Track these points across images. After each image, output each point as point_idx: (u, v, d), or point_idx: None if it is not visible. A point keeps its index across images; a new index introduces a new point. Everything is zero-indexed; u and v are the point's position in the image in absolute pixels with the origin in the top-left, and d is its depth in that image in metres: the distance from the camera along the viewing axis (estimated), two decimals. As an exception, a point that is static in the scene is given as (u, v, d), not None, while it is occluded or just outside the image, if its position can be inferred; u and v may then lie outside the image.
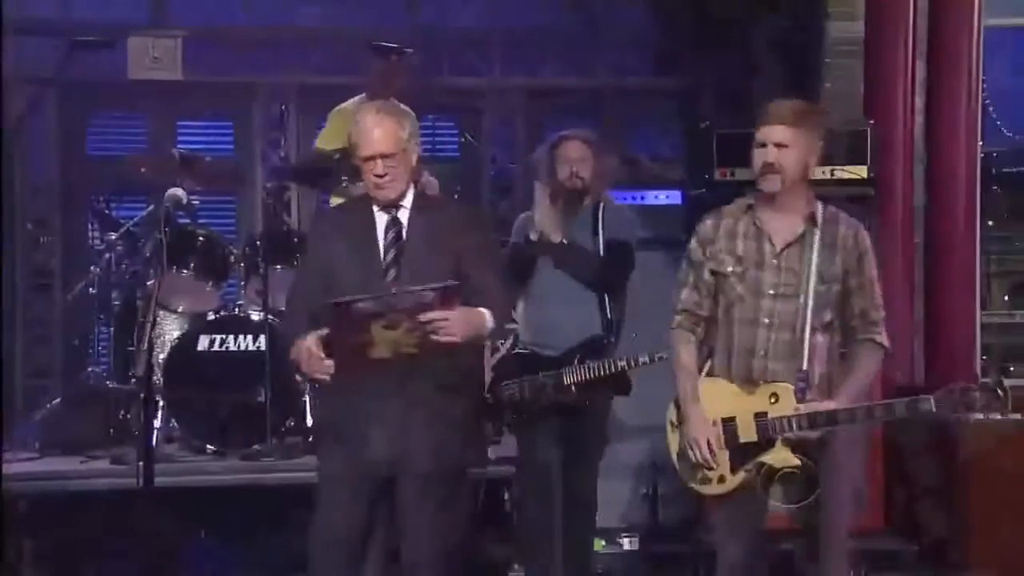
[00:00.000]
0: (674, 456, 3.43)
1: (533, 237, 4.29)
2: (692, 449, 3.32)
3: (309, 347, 3.28)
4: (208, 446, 5.02)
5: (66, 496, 4.75)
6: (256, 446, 4.96)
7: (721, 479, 3.33)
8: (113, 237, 5.47)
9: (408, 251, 3.44)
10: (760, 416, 3.29)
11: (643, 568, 4.80)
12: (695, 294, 3.43)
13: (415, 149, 3.48)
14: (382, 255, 3.45)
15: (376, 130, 3.40)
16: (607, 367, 4.12)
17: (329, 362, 3.26)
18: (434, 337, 3.23)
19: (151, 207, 5.78)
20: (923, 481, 4.72)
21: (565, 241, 4.27)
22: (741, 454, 3.31)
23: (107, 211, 5.79)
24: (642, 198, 5.39)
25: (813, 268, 3.29)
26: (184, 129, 7.02)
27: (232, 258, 5.36)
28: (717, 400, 3.35)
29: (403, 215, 3.49)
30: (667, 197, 5.38)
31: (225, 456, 4.99)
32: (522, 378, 4.20)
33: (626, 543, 4.78)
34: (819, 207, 3.38)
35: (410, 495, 3.38)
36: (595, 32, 7.15)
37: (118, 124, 7.05)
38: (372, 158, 3.39)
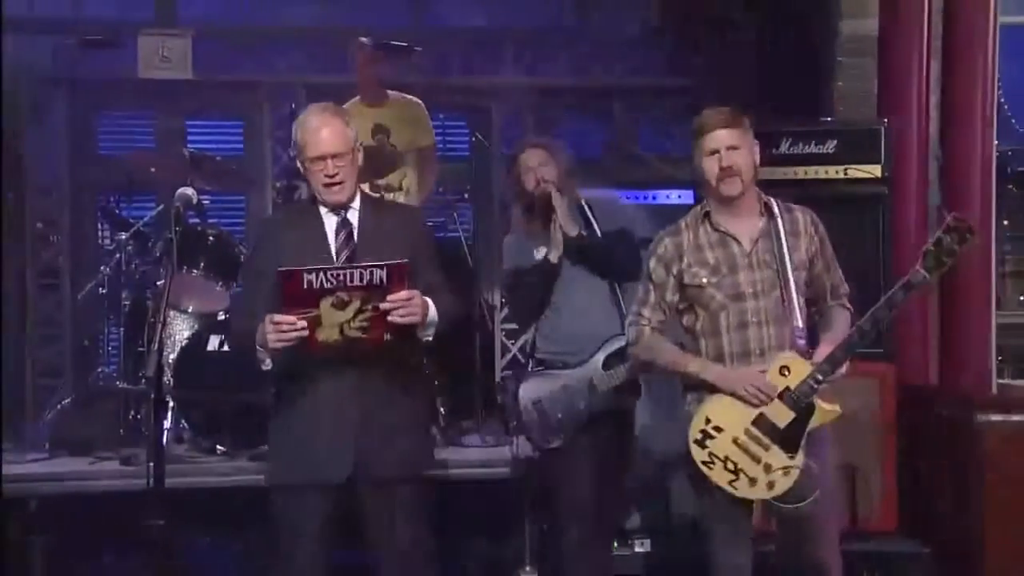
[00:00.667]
0: (705, 470, 3.38)
1: (538, 257, 4.12)
2: (752, 395, 3.30)
3: (265, 321, 3.22)
4: (218, 447, 5.01)
5: (75, 497, 4.74)
6: (265, 446, 4.93)
7: (786, 471, 3.30)
8: (123, 237, 5.45)
9: (360, 251, 3.39)
10: (784, 393, 3.30)
11: (656, 570, 4.77)
12: (659, 313, 3.47)
13: (361, 150, 3.46)
14: (334, 257, 3.38)
15: (324, 129, 3.33)
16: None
17: (281, 317, 3.18)
18: (393, 318, 3.21)
19: (161, 206, 5.80)
20: (937, 482, 4.68)
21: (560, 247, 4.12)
22: (791, 438, 3.31)
23: (117, 210, 5.78)
24: (654, 197, 5.38)
25: (787, 256, 3.35)
26: (193, 128, 7.03)
27: (242, 258, 5.34)
28: (735, 411, 3.35)
29: (352, 216, 3.44)
30: (679, 196, 5.36)
31: (235, 457, 4.97)
32: (550, 393, 4.10)
33: (639, 545, 4.75)
34: (770, 199, 3.45)
35: (378, 506, 3.37)
36: (605, 30, 7.13)
37: (127, 123, 7.06)
38: (322, 158, 3.32)
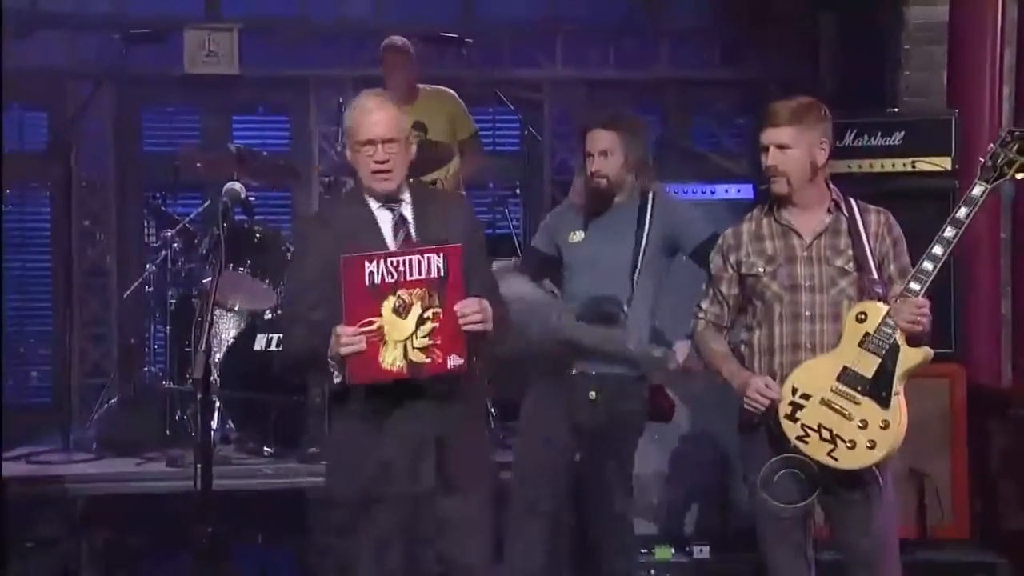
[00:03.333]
0: (802, 447, 3.27)
1: (573, 240, 3.97)
2: (752, 400, 3.29)
3: (334, 332, 3.06)
4: (265, 448, 5.01)
5: (122, 498, 4.77)
6: (314, 448, 4.93)
7: (884, 424, 3.20)
8: (169, 234, 5.46)
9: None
10: (864, 340, 3.24)
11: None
12: (716, 306, 3.49)
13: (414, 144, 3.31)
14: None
15: (377, 113, 3.19)
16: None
17: (343, 329, 3.03)
18: (465, 325, 3.07)
19: (207, 203, 5.82)
20: (1011, 488, 4.58)
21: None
22: (881, 386, 3.22)
23: (163, 207, 5.82)
24: (712, 192, 5.28)
25: (850, 255, 3.32)
26: (239, 124, 7.05)
27: (289, 255, 5.34)
28: (817, 371, 3.27)
29: (407, 210, 3.27)
30: (738, 191, 5.26)
31: (282, 458, 4.97)
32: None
33: (696, 552, 4.69)
34: (848, 199, 3.40)
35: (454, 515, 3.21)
36: (658, 22, 7.06)
37: (173, 119, 7.10)
38: (372, 143, 3.17)
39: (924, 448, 4.29)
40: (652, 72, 7.05)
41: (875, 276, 3.30)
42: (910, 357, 3.24)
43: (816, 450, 3.24)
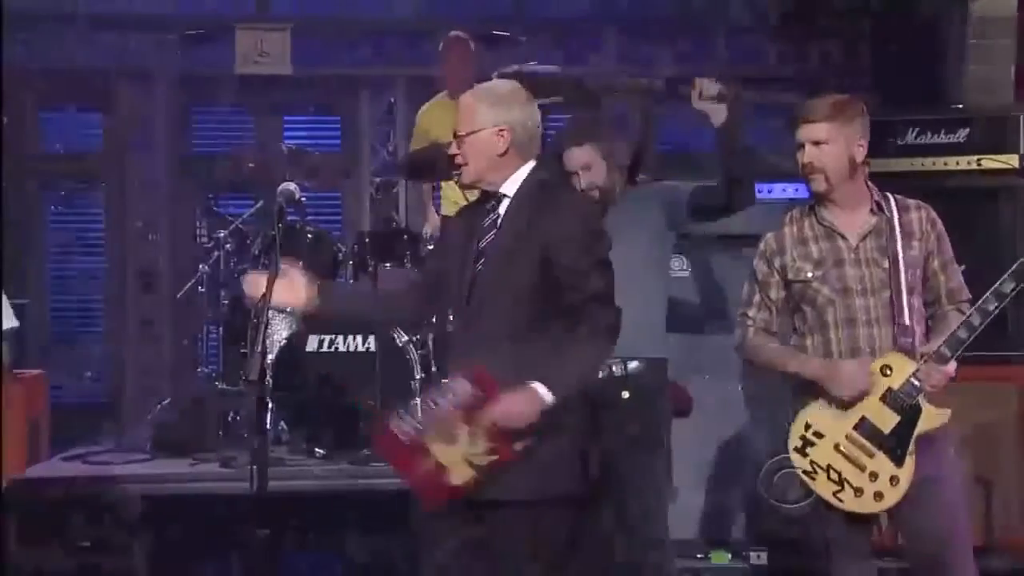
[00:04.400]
0: (808, 481, 3.27)
1: None
2: (852, 395, 3.19)
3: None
4: (317, 449, 5.04)
5: (175, 499, 4.82)
6: (366, 450, 4.96)
7: (893, 480, 3.17)
8: (221, 235, 5.52)
9: (490, 253, 3.07)
10: (887, 395, 3.20)
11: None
12: (765, 312, 3.39)
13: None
14: (473, 259, 3.11)
15: (457, 111, 3.14)
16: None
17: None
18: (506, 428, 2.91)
19: (259, 203, 5.87)
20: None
21: None
22: (897, 444, 3.20)
23: (215, 208, 5.87)
24: (769, 191, 5.23)
25: (898, 254, 3.25)
26: (291, 124, 7.11)
27: (340, 256, 5.38)
28: (835, 415, 3.24)
29: (503, 205, 3.10)
30: (796, 190, 5.20)
31: (334, 460, 5.00)
32: None
33: (754, 557, 4.65)
34: (887, 195, 3.33)
35: None
36: (713, 18, 7.02)
37: (225, 120, 7.17)
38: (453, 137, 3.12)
39: (991, 454, 4.24)
40: (706, 69, 6.99)
41: (903, 288, 3.21)
42: (931, 419, 3.19)
43: (822, 488, 3.23)
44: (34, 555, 4.61)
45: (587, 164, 3.78)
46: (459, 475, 2.97)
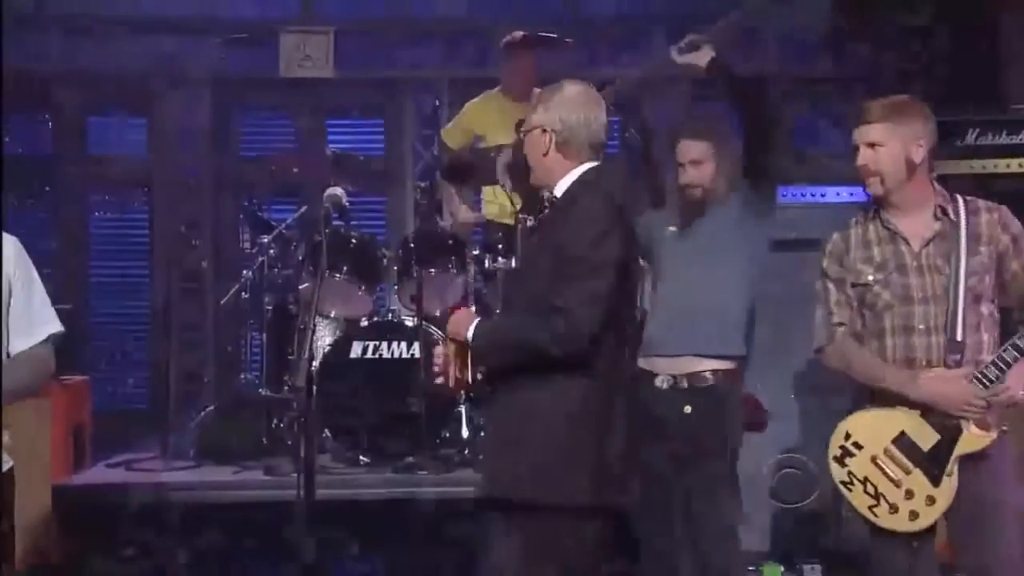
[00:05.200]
0: (845, 492, 3.26)
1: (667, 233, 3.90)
2: (967, 412, 3.11)
3: None
4: (361, 457, 5.05)
5: (220, 507, 4.84)
6: (411, 458, 4.96)
7: (930, 500, 3.13)
8: (265, 240, 5.53)
9: (526, 253, 3.29)
10: (929, 411, 3.16)
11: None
12: (846, 310, 3.33)
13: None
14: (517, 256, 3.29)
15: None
16: None
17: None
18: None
19: (304, 208, 5.90)
20: None
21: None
22: (934, 463, 3.15)
23: (258, 213, 5.90)
24: (822, 195, 5.19)
25: (962, 263, 3.18)
26: (334, 127, 7.14)
27: (385, 261, 5.38)
28: (876, 428, 3.22)
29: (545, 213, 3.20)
30: (851, 194, 5.15)
31: (378, 468, 5.00)
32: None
33: (807, 570, 4.60)
34: (955, 198, 3.27)
35: None
36: (763, 17, 6.96)
37: (268, 123, 7.22)
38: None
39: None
40: (755, 68, 6.95)
41: (960, 298, 3.14)
42: (971, 442, 3.13)
43: (859, 500, 3.21)
44: (79, 562, 4.66)
45: (697, 160, 3.83)
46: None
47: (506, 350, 3.05)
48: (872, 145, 3.22)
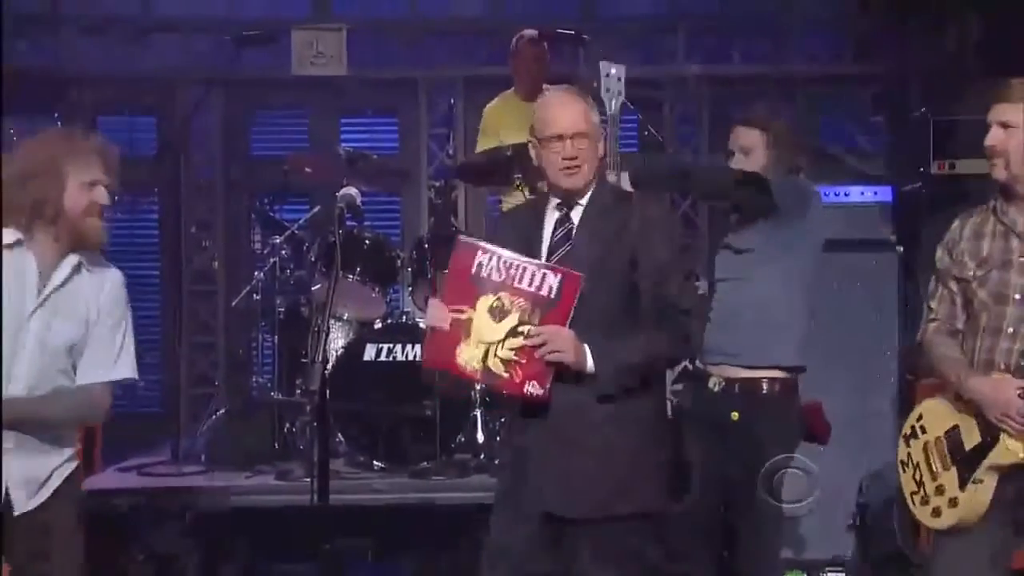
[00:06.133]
0: (900, 470, 3.25)
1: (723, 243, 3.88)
2: (1005, 421, 3.02)
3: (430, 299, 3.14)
4: (375, 462, 5.05)
5: (232, 512, 4.85)
6: (425, 463, 4.96)
7: (952, 502, 3.11)
8: (277, 240, 5.52)
9: (574, 255, 3.15)
10: (982, 413, 3.09)
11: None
12: (946, 305, 3.24)
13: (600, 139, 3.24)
14: (544, 257, 3.18)
15: (567, 107, 3.20)
16: None
17: (437, 302, 3.09)
18: (541, 352, 3.03)
19: (316, 208, 5.90)
20: None
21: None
22: (968, 465, 3.10)
23: (270, 213, 5.89)
24: (846, 195, 5.17)
25: None
26: (347, 126, 7.15)
27: (399, 262, 5.38)
28: (940, 416, 3.19)
29: (576, 213, 3.21)
30: (875, 194, 5.14)
31: (393, 473, 5.00)
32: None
33: (831, 578, 4.61)
34: None
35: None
36: (787, 13, 6.95)
37: (280, 122, 7.24)
38: (561, 138, 3.16)
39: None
40: (780, 67, 6.94)
41: None
42: (1004, 454, 3.05)
43: (907, 483, 3.22)
44: (89, 568, 4.66)
45: (748, 148, 3.78)
46: (468, 355, 3.06)
47: (635, 370, 3.10)
48: (1005, 125, 3.08)
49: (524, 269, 3.07)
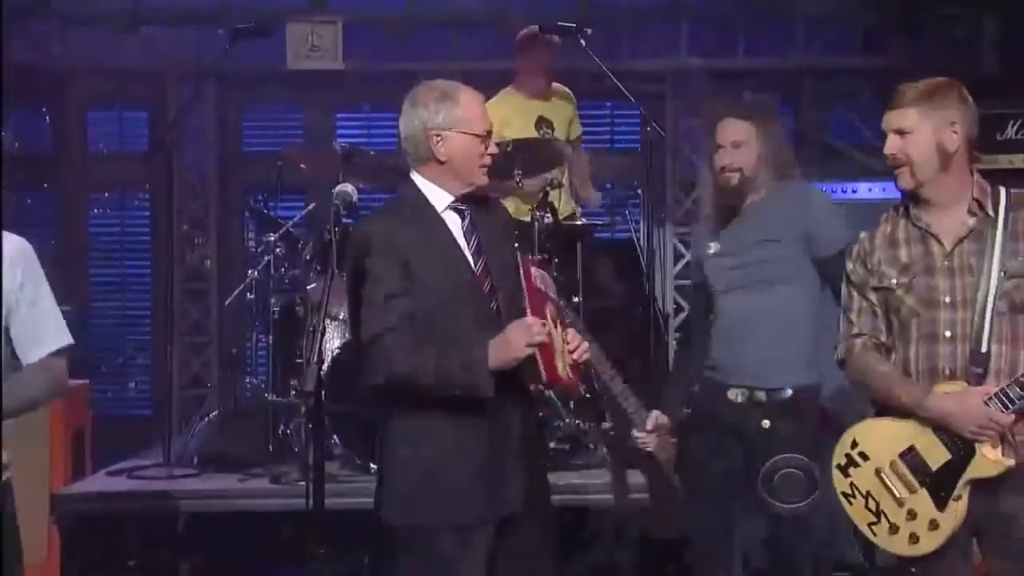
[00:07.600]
0: (845, 504, 3.14)
1: (711, 251, 3.76)
2: (982, 434, 2.96)
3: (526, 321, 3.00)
4: (371, 465, 5.03)
5: (225, 516, 4.85)
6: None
7: (932, 524, 3.01)
8: (271, 238, 5.52)
9: (490, 260, 3.17)
10: (941, 428, 3.03)
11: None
12: (867, 317, 3.18)
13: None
14: (472, 265, 3.16)
15: (484, 106, 3.23)
16: None
17: (534, 319, 3.00)
18: (577, 355, 3.13)
19: (312, 205, 5.89)
20: None
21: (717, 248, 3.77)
22: (942, 483, 3.03)
23: (264, 210, 5.89)
24: (853, 191, 5.19)
25: (995, 264, 3.01)
26: (343, 121, 7.15)
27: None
28: (885, 439, 3.11)
29: (469, 215, 3.22)
30: (883, 190, 5.15)
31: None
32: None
33: (834, 585, 4.59)
34: (997, 191, 3.09)
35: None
36: (792, 5, 6.95)
37: (275, 117, 7.24)
38: (489, 136, 3.17)
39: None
40: (785, 61, 6.94)
41: (988, 304, 2.98)
42: (983, 467, 2.99)
43: (858, 515, 3.11)
44: (79, 573, 4.68)
45: (738, 142, 3.66)
46: (561, 364, 3.07)
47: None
48: (900, 132, 3.04)
49: (543, 274, 3.17)
